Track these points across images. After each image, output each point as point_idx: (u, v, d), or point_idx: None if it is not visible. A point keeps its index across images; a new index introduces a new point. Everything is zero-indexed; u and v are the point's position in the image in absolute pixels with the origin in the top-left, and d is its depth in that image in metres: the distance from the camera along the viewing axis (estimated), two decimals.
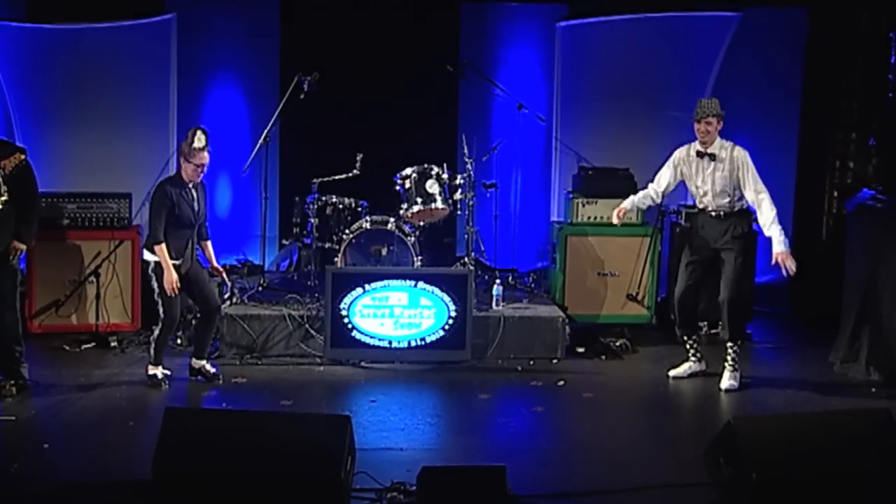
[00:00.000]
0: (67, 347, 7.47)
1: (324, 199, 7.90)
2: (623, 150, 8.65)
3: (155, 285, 6.46)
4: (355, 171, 7.88)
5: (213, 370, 6.75)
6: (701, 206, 6.74)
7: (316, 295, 7.63)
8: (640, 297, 8.15)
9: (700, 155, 6.63)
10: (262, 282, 7.95)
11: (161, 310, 6.49)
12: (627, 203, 7.02)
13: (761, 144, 8.93)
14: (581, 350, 7.63)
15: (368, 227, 7.64)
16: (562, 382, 6.92)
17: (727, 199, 6.63)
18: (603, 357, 7.57)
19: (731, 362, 6.80)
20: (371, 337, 7.22)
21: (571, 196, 8.31)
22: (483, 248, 8.38)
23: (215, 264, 6.82)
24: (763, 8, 8.77)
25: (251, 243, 8.87)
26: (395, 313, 7.22)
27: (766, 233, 6.56)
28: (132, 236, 7.85)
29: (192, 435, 4.62)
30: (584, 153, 8.86)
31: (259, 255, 8.30)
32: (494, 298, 7.61)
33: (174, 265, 6.42)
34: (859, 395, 6.72)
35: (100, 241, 7.77)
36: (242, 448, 4.56)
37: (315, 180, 7.94)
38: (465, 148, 7.93)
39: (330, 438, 4.60)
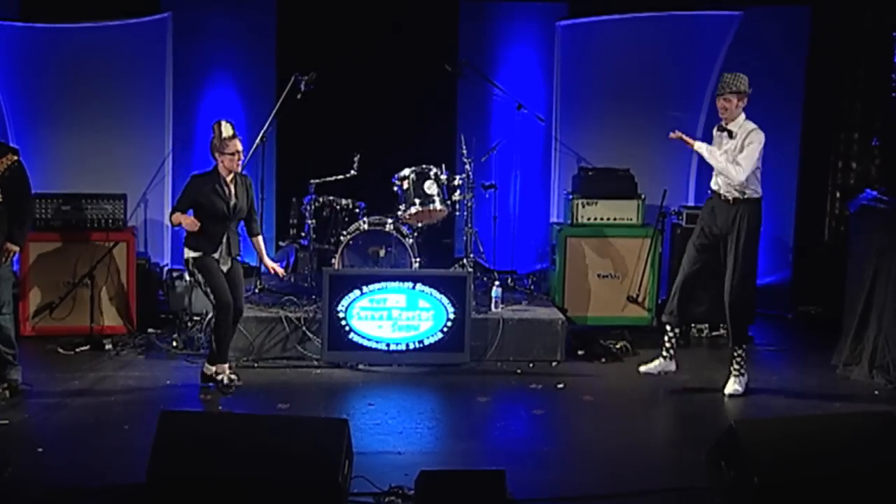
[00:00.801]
0: (61, 350, 7.43)
1: (321, 199, 7.88)
2: (623, 150, 8.64)
3: (200, 277, 6.45)
4: (353, 172, 7.86)
5: (228, 378, 6.62)
6: (714, 188, 6.64)
7: (313, 297, 7.61)
8: (640, 299, 8.12)
9: (721, 129, 6.59)
10: (258, 284, 7.90)
11: (212, 296, 6.44)
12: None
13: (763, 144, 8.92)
14: (581, 352, 7.62)
15: (366, 228, 7.62)
16: (561, 385, 6.90)
17: (729, 182, 6.51)
18: (603, 360, 7.55)
19: (736, 367, 6.72)
20: (369, 339, 7.20)
21: (571, 197, 8.31)
22: (482, 250, 8.36)
23: (266, 261, 6.81)
24: (765, 7, 8.75)
25: (247, 244, 8.71)
26: (393, 315, 7.20)
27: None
28: (127, 238, 7.84)
29: (187, 439, 4.60)
30: (584, 153, 8.86)
31: (255, 256, 8.22)
32: (493, 300, 7.59)
33: (213, 258, 6.44)
34: (862, 398, 6.72)
35: (95, 242, 7.76)
36: (238, 452, 4.54)
37: (312, 181, 7.91)
38: (464, 148, 7.93)
39: (327, 442, 4.59)
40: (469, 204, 7.91)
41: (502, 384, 6.97)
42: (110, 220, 7.83)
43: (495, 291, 7.60)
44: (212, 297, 6.46)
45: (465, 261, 7.94)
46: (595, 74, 8.87)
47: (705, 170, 8.85)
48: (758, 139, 6.44)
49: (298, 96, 7.84)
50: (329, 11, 8.81)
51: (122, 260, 7.78)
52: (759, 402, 6.64)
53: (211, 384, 6.59)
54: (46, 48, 8.42)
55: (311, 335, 7.28)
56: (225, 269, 6.51)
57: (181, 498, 4.46)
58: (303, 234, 8.01)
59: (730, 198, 6.52)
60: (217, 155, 6.44)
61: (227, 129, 6.38)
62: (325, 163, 8.07)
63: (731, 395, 6.65)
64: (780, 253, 8.99)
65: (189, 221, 6.38)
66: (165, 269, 8.53)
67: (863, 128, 8.52)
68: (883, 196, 7.54)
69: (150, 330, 7.89)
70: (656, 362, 6.98)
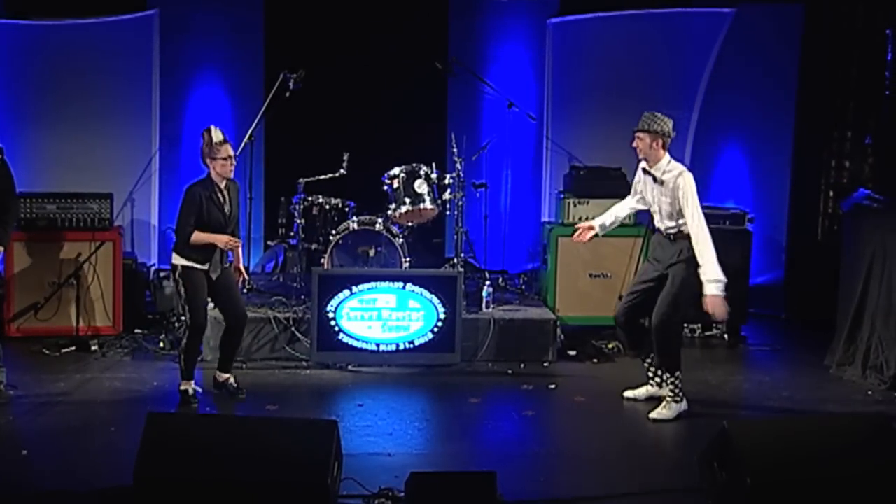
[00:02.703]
0: (47, 351, 7.38)
1: (310, 199, 7.84)
2: (615, 149, 8.54)
3: (182, 290, 6.25)
4: (342, 171, 7.84)
5: (236, 385, 6.53)
6: (658, 225, 6.32)
7: (302, 297, 7.57)
8: None
9: (646, 172, 6.27)
10: (247, 284, 7.84)
11: (188, 316, 6.26)
12: (594, 221, 6.52)
13: (756, 143, 8.99)
14: (573, 353, 7.60)
15: (356, 227, 7.59)
16: (553, 386, 6.89)
17: (673, 223, 6.19)
18: (595, 360, 7.53)
19: (670, 393, 6.26)
20: (358, 340, 7.17)
21: (563, 196, 8.29)
22: (473, 250, 8.35)
23: (238, 264, 6.62)
24: (757, 5, 8.75)
25: None
26: (383, 316, 7.17)
27: (700, 272, 6.02)
28: (113, 237, 7.80)
29: (174, 441, 4.58)
30: (576, 152, 8.83)
31: (244, 256, 8.17)
32: (484, 300, 7.58)
33: (201, 270, 6.25)
34: (855, 399, 6.72)
35: (80, 242, 7.70)
36: (226, 454, 4.52)
37: (301, 180, 7.87)
38: (455, 147, 7.89)
39: (316, 444, 4.58)
40: (460, 203, 7.87)
41: (493, 385, 6.96)
42: (96, 220, 7.78)
43: (486, 291, 7.58)
44: (187, 316, 6.28)
45: (455, 260, 7.90)
46: (586, 72, 8.86)
47: (696, 170, 8.80)
48: (690, 187, 6.04)
49: (287, 94, 7.81)
50: (318, 8, 8.78)
51: (108, 260, 7.73)
52: (751, 403, 6.65)
53: (222, 390, 6.52)
54: (31, 45, 8.36)
55: (300, 336, 7.25)
56: (214, 276, 6.33)
57: (168, 501, 4.44)
58: (292, 233, 7.97)
59: (671, 236, 6.20)
60: (209, 161, 6.27)
61: (217, 135, 6.24)
62: (314, 162, 8.04)
63: (655, 420, 6.24)
64: (772, 252, 8.97)
65: (225, 240, 6.24)
66: (152, 269, 8.48)
67: (856, 126, 8.49)
68: (876, 195, 7.53)
69: (136, 331, 7.84)
70: (643, 389, 6.57)
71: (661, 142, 6.13)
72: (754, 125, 8.89)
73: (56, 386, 6.61)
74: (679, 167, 6.16)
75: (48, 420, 5.98)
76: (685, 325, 8.16)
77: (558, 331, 7.53)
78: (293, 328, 7.25)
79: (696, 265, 6.02)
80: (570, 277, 8.12)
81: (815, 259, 8.57)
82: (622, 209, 6.59)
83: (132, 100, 8.54)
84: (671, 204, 6.11)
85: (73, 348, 7.43)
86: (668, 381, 6.27)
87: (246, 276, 6.82)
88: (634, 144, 6.21)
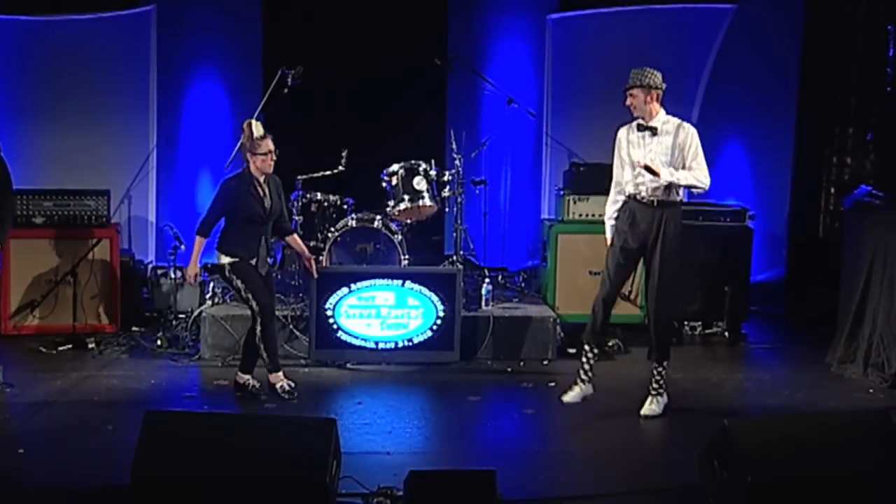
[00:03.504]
0: (43, 349, 7.36)
1: (308, 196, 7.82)
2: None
3: (239, 283, 6.20)
4: (340, 168, 7.82)
5: (258, 385, 6.46)
6: (633, 191, 6.16)
7: (300, 295, 7.55)
8: (632, 297, 7.96)
9: (641, 128, 6.13)
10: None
11: (253, 303, 6.22)
12: (610, 229, 6.33)
13: (757, 139, 8.96)
14: (572, 351, 7.48)
15: (354, 224, 7.57)
16: (553, 384, 6.85)
17: (659, 183, 6.02)
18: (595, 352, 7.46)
19: (655, 386, 6.22)
20: (357, 338, 7.16)
21: (562, 193, 8.25)
22: (472, 247, 8.31)
23: (308, 255, 6.61)
24: (758, 0, 8.73)
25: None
26: (382, 313, 7.16)
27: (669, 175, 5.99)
28: (111, 234, 7.80)
29: (172, 439, 4.56)
30: (576, 149, 8.84)
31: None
32: (484, 298, 7.56)
33: (250, 264, 6.22)
34: (857, 396, 6.70)
35: (77, 239, 7.69)
36: (224, 453, 4.51)
37: (299, 177, 7.85)
38: (454, 144, 7.88)
39: (314, 442, 4.56)
40: (459, 200, 7.86)
41: (493, 383, 6.94)
42: (93, 217, 7.78)
43: (485, 289, 7.57)
44: (253, 303, 6.21)
45: (454, 258, 7.89)
46: (587, 68, 8.86)
47: None
48: (695, 134, 6.03)
49: (285, 90, 7.78)
50: (316, 4, 8.78)
51: (105, 257, 7.72)
52: (752, 401, 6.63)
53: (243, 392, 6.46)
54: (27, 41, 8.36)
55: (298, 334, 7.24)
56: (263, 272, 6.30)
57: (166, 500, 4.43)
58: None
59: (654, 201, 6.08)
60: (248, 156, 6.22)
61: (258, 129, 6.18)
62: (312, 158, 8.02)
63: (646, 417, 6.22)
64: (773, 249, 8.95)
65: (191, 274, 6.30)
66: (150, 266, 8.48)
67: (857, 123, 8.47)
68: (878, 192, 7.51)
69: (134, 328, 7.83)
70: (576, 390, 6.41)
71: (654, 94, 6.07)
72: (755, 121, 8.87)
73: (53, 384, 6.59)
74: (678, 119, 6.11)
75: (45, 418, 5.96)
76: (685, 322, 8.19)
77: (558, 328, 7.51)
78: (291, 326, 7.24)
79: (679, 235, 6.07)
80: (570, 275, 8.08)
81: (816, 256, 8.56)
82: (614, 203, 6.36)
83: (129, 96, 8.54)
84: (668, 152, 6.01)
85: (70, 346, 7.41)
86: (657, 372, 6.22)
87: (314, 271, 6.75)
88: (628, 103, 6.12)
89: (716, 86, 8.79)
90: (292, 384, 6.40)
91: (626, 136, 6.21)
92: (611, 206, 6.35)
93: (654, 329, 6.20)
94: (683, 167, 6.02)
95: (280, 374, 6.39)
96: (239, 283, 6.21)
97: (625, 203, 6.22)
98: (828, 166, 8.61)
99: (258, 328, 6.24)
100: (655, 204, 6.06)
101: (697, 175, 6.00)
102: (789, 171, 8.87)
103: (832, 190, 8.61)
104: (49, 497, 4.81)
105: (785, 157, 8.84)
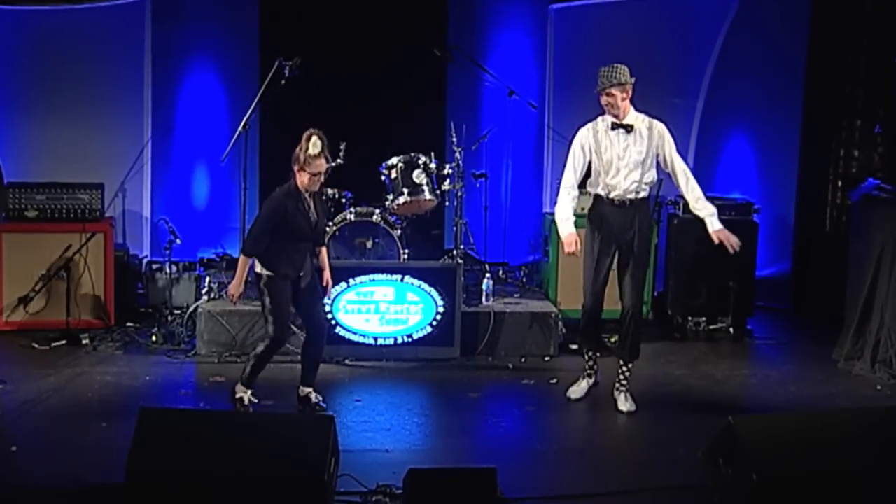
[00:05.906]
0: (36, 345, 7.32)
1: None
2: None
3: (267, 300, 6.00)
4: (339, 161, 7.74)
5: (315, 400, 6.31)
6: (603, 192, 6.13)
7: None
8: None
9: (615, 127, 6.08)
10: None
11: (271, 327, 6.03)
12: (571, 224, 6.19)
13: (763, 132, 8.94)
14: (575, 347, 7.45)
15: (353, 218, 7.57)
16: (555, 381, 6.83)
17: (636, 180, 6.05)
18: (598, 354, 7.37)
19: (624, 382, 6.28)
20: (356, 333, 7.16)
21: None
22: (472, 241, 8.28)
23: (326, 275, 6.38)
24: None
25: (230, 236, 8.78)
26: (381, 309, 7.15)
27: (697, 209, 6.05)
28: (104, 229, 7.76)
29: (167, 436, 4.57)
30: None
31: (238, 248, 8.09)
32: (484, 293, 7.54)
33: (287, 282, 6.01)
34: (864, 393, 6.69)
35: (71, 233, 7.64)
36: (221, 450, 4.52)
37: None
38: (454, 136, 7.83)
39: (313, 440, 4.57)
40: (459, 194, 7.82)
41: (493, 380, 6.93)
42: (87, 211, 7.74)
43: (486, 284, 7.55)
44: (271, 326, 6.04)
45: (454, 252, 7.85)
46: (589, 59, 8.71)
47: (701, 160, 8.80)
48: (667, 131, 6.08)
49: (283, 82, 7.73)
50: None
51: (99, 252, 7.67)
52: (758, 398, 6.63)
53: (305, 406, 6.33)
54: (20, 32, 8.31)
55: (295, 329, 7.12)
56: (303, 284, 6.12)
57: (161, 497, 4.43)
58: None
59: (626, 200, 6.07)
60: (297, 169, 5.97)
61: (315, 146, 5.89)
62: None
63: (629, 412, 6.22)
64: (780, 244, 8.91)
65: (233, 293, 6.06)
66: (145, 261, 8.45)
67: (865, 115, 8.42)
68: (886, 185, 7.47)
69: (128, 324, 7.79)
70: (584, 384, 6.48)
71: (628, 90, 6.05)
72: (761, 113, 8.82)
73: (46, 380, 6.56)
74: (647, 117, 6.12)
75: (38, 415, 5.94)
76: (689, 318, 8.17)
77: (560, 324, 7.48)
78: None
79: (651, 230, 6.12)
80: (572, 270, 7.95)
81: (823, 251, 8.53)
82: (572, 201, 6.22)
83: (124, 88, 8.50)
84: (645, 153, 6.03)
85: (64, 342, 7.37)
86: (627, 370, 6.27)
87: (329, 291, 6.54)
88: (605, 103, 6.05)
89: (721, 77, 8.78)
90: (255, 401, 6.20)
91: (593, 137, 6.14)
92: (568, 207, 6.19)
93: (630, 327, 6.19)
94: (660, 165, 6.10)
95: (249, 391, 6.15)
96: (267, 299, 6.02)
97: (595, 206, 6.19)
98: (835, 159, 8.58)
99: (261, 347, 6.10)
100: (629, 204, 6.08)
101: (688, 175, 6.09)
102: (796, 165, 8.83)
103: (839, 183, 8.58)
104: (43, 495, 4.79)
105: (791, 149, 8.80)
